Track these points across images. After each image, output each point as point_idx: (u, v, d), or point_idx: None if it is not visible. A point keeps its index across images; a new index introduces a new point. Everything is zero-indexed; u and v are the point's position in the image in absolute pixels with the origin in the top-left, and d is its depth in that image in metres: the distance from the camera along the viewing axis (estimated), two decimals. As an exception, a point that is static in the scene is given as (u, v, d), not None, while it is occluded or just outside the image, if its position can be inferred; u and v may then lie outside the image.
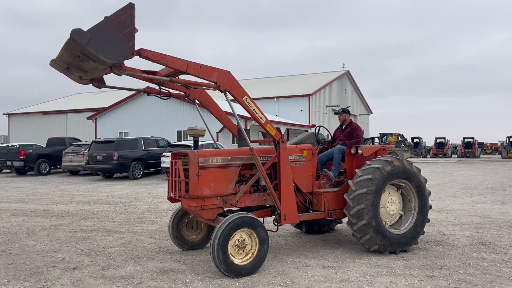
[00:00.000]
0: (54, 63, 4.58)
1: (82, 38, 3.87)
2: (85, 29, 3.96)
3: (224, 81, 4.99)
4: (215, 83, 4.94)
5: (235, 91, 5.09)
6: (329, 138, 7.29)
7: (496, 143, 52.64)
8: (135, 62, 5.01)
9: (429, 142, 49.47)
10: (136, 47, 4.39)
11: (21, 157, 21.03)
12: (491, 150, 50.85)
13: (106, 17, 4.04)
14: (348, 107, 7.36)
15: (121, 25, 4.05)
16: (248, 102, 5.18)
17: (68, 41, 3.94)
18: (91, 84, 4.91)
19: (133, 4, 4.09)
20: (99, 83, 4.83)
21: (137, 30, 4.18)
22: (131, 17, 4.09)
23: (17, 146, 23.10)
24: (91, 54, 3.96)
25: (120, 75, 4.43)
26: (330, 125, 36.57)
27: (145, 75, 5.02)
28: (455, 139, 64.37)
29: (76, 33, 3.85)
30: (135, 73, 4.89)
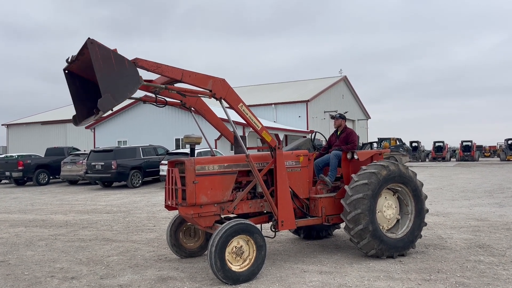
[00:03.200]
0: (84, 124, 4.96)
1: (110, 103, 4.16)
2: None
3: (219, 88, 5.03)
4: (211, 91, 4.99)
5: (231, 99, 5.13)
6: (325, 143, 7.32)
7: (495, 146, 52.72)
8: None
9: (427, 146, 49.60)
10: (131, 57, 4.47)
11: (20, 168, 21.02)
12: (490, 153, 50.92)
13: (96, 71, 4.16)
14: (346, 112, 7.42)
15: (106, 61, 4.19)
16: (243, 109, 5.23)
17: (101, 113, 4.28)
18: None
19: (90, 38, 4.18)
20: None
21: (116, 49, 4.34)
22: (102, 48, 4.22)
23: (16, 156, 23.06)
24: (123, 101, 4.32)
25: (140, 85, 4.61)
26: (328, 131, 36.61)
27: (156, 85, 5.10)
28: (454, 142, 64.52)
29: (104, 105, 4.13)
30: (149, 83, 5.01)
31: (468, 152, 41.55)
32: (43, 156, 23.59)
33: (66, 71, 4.87)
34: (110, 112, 29.81)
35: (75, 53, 4.57)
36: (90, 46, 4.16)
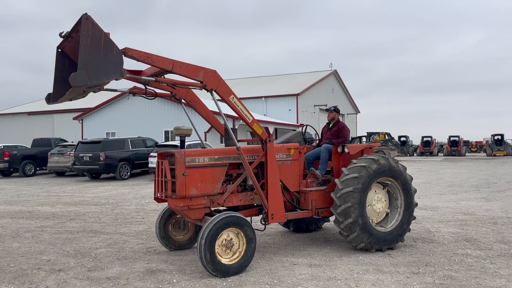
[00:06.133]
0: (57, 102, 4.72)
1: (82, 80, 3.98)
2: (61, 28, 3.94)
3: (210, 80, 4.97)
4: (201, 82, 4.92)
5: (222, 90, 5.07)
6: (317, 137, 7.32)
7: (481, 141, 53.39)
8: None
9: (415, 140, 50.04)
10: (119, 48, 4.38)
11: (6, 158, 20.69)
12: (476, 148, 51.55)
13: (80, 45, 4.03)
14: (336, 106, 7.43)
15: (95, 40, 4.07)
16: (234, 101, 5.18)
17: (72, 89, 4.06)
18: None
19: (86, 14, 4.06)
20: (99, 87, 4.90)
21: (109, 33, 4.21)
22: (95, 26, 4.10)
23: (2, 147, 22.70)
24: (97, 84, 4.12)
25: (123, 77, 4.49)
26: (318, 125, 36.70)
27: (145, 78, 5.00)
28: (441, 137, 65.16)
29: (75, 80, 3.94)
30: (136, 76, 4.89)
31: (456, 147, 42.03)
32: (29, 147, 23.27)
33: (59, 50, 4.74)
34: (98, 103, 29.50)
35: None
36: (84, 21, 4.02)
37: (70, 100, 4.76)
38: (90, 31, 4.04)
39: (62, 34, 4.45)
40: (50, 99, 4.73)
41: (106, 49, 4.13)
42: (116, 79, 4.37)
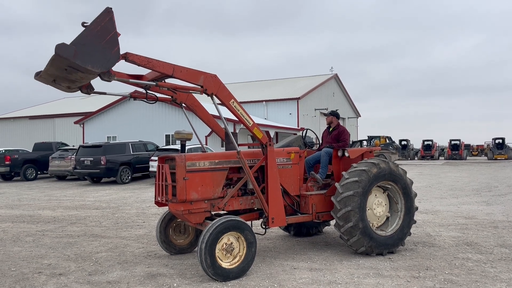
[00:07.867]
0: (40, 77, 4.58)
1: (68, 52, 3.85)
2: (67, 38, 3.94)
3: (211, 84, 5.00)
4: (202, 86, 4.95)
5: (222, 95, 5.10)
6: (317, 141, 7.34)
7: (483, 145, 53.37)
8: (120, 66, 5.01)
9: (416, 144, 50.02)
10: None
11: (7, 162, 20.72)
12: (477, 152, 51.53)
13: (87, 26, 4.00)
14: (336, 110, 7.44)
15: (103, 31, 4.03)
16: (235, 106, 5.20)
17: (54, 56, 3.92)
18: (79, 91, 4.92)
19: (111, 8, 4.06)
20: (88, 89, 4.85)
21: (120, 34, 4.17)
22: (111, 22, 4.07)
23: (3, 151, 22.73)
24: (79, 66, 3.96)
25: (110, 81, 4.43)
26: (318, 128, 36.72)
27: (133, 80, 5.00)
28: (442, 141, 65.11)
29: (60, 48, 3.83)
30: (123, 79, 4.88)
31: (456, 151, 42.00)
32: (30, 151, 23.31)
33: None
34: (99, 107, 29.54)
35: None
36: (104, 12, 4.00)
37: (54, 81, 4.59)
38: (104, 22, 4.01)
39: (84, 24, 4.44)
40: (39, 74, 4.60)
41: (108, 44, 4.09)
42: (102, 78, 4.28)
